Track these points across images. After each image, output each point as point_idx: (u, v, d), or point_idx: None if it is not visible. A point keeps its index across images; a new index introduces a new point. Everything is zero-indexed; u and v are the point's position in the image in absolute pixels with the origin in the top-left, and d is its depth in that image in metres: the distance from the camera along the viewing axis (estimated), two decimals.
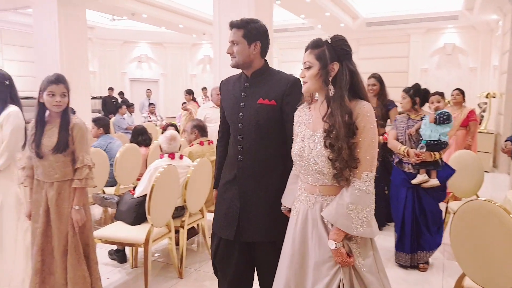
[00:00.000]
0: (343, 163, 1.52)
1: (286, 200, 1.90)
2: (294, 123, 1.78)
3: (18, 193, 2.73)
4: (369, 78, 4.20)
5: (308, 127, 1.68)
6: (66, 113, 2.40)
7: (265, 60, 2.09)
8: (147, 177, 3.13)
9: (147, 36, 12.62)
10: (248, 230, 2.04)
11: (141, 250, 3.12)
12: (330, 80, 1.58)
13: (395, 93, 4.24)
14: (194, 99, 8.27)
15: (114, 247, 3.47)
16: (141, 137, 4.72)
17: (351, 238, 1.59)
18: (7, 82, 2.70)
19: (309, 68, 1.63)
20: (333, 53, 1.59)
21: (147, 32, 12.22)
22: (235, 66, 2.05)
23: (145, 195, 2.96)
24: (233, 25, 2.03)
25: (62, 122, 2.37)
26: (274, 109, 1.99)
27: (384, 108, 4.19)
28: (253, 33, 2.00)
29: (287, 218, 2.03)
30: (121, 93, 11.56)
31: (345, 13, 9.75)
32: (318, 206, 1.64)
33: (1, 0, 7.57)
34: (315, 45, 1.63)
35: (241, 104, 2.05)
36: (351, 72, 1.59)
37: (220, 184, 2.18)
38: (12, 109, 2.68)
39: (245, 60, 2.01)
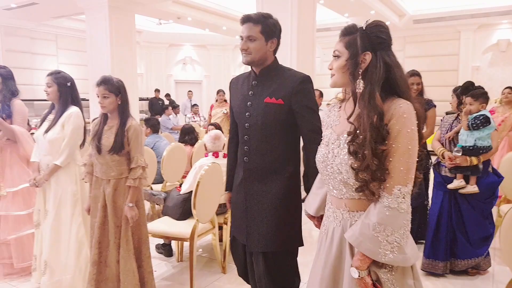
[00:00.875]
0: (369, 174, 1.26)
1: (308, 206, 1.69)
2: (322, 125, 1.56)
3: (75, 190, 2.92)
4: (412, 75, 3.64)
5: (334, 130, 1.44)
6: (123, 115, 2.53)
7: (275, 57, 1.98)
8: (192, 174, 3.24)
9: (191, 39, 12.93)
10: (253, 238, 1.94)
11: (186, 244, 3.23)
12: (359, 73, 1.33)
13: (443, 92, 4.11)
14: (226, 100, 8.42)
15: (161, 241, 3.62)
16: (188, 136, 4.88)
17: (383, 265, 1.30)
18: (69, 84, 2.89)
19: (337, 58, 1.40)
20: (366, 41, 1.34)
21: (191, 35, 12.52)
22: (249, 63, 1.93)
23: (191, 191, 3.07)
24: (249, 20, 1.90)
25: (120, 124, 2.51)
26: (281, 109, 1.88)
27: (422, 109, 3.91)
28: (271, 29, 1.90)
29: (297, 226, 1.97)
30: (167, 95, 11.92)
31: (391, 10, 9.51)
32: (345, 225, 1.39)
33: (57, 8, 8.03)
34: (347, 32, 1.39)
35: (248, 103, 1.96)
36: (387, 65, 1.32)
37: (233, 187, 2.12)
38: (73, 109, 2.87)
39: (261, 57, 1.91)
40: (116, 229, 2.50)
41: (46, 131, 2.82)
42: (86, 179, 2.68)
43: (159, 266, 3.45)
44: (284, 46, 5.02)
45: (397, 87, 1.33)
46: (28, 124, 4.91)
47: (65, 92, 2.88)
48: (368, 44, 1.34)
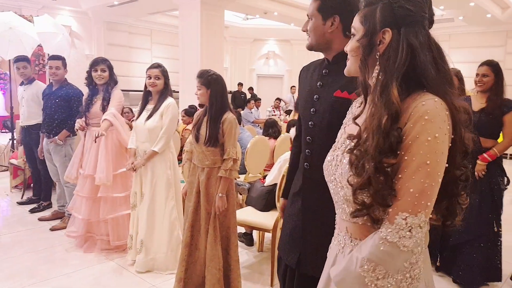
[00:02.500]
0: (369, 194, 0.93)
1: None
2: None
3: (169, 175, 3.13)
4: (480, 65, 3.02)
5: (345, 130, 1.14)
6: (211, 108, 2.62)
7: None
8: (277, 167, 3.30)
9: (275, 34, 13.05)
10: (307, 258, 1.60)
11: (267, 236, 3.30)
12: (377, 56, 0.99)
13: None
14: None
15: (243, 230, 3.74)
16: (271, 129, 4.97)
17: None
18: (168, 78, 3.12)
19: (352, 36, 1.07)
20: (387, 14, 0.98)
21: (275, 30, 12.64)
22: (309, 47, 1.63)
23: (275, 184, 3.12)
24: None
25: (208, 117, 2.62)
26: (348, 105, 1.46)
27: (498, 110, 2.93)
28: (328, 4, 1.52)
29: None
30: (251, 89, 12.20)
31: (493, 2, 8.72)
32: (346, 254, 1.06)
33: (154, 4, 8.60)
34: (367, 2, 1.04)
35: (314, 97, 1.60)
36: (412, 47, 0.95)
37: (289, 195, 1.78)
38: (170, 100, 3.09)
39: (319, 40, 1.57)
40: (206, 216, 2.63)
41: (147, 119, 3.06)
42: (186, 165, 2.87)
43: (240, 254, 3.55)
44: None
45: (423, 77, 0.95)
46: (132, 112, 5.33)
47: (167, 84, 3.11)
48: (390, 18, 0.97)
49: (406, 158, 0.90)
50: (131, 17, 10.02)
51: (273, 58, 13.84)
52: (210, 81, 2.64)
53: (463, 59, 10.04)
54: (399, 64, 0.95)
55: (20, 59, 4.54)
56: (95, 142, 3.40)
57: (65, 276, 3.09)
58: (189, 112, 5.65)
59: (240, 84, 12.06)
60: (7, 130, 8.26)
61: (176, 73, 8.08)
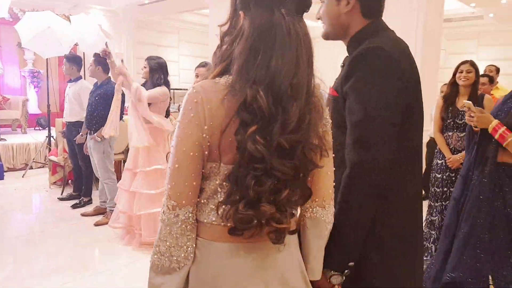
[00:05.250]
0: None
1: None
2: None
3: None
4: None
5: None
6: None
7: (370, 21, 1.25)
8: None
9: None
10: None
11: None
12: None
13: None
14: None
15: None
16: None
17: None
18: None
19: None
20: None
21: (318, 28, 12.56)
22: (324, 36, 1.33)
23: None
24: None
25: None
26: (337, 103, 1.23)
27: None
28: None
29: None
30: None
31: None
32: None
33: (183, 3, 8.64)
34: None
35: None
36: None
37: None
38: None
39: (334, 25, 1.28)
40: None
41: None
42: None
43: None
44: (409, 38, 4.78)
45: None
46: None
47: None
48: None
49: None
50: (160, 16, 10.10)
51: None
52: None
53: (492, 56, 9.81)
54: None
55: (68, 57, 4.65)
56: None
57: (115, 269, 3.14)
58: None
59: None
60: (40, 128, 8.46)
61: None
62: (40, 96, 8.79)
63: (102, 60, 4.44)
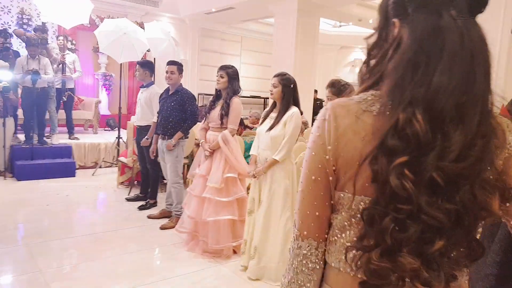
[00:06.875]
0: None
1: None
2: None
3: (287, 185, 3.09)
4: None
5: None
6: None
7: None
8: None
9: (363, 41, 12.66)
10: None
11: None
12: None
13: None
14: None
15: None
16: None
17: None
18: (291, 86, 3.07)
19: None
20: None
21: (364, 37, 12.28)
22: None
23: None
24: None
25: None
26: None
27: None
28: None
29: None
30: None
31: None
32: None
33: (250, 12, 8.74)
34: None
35: None
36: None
37: None
38: (294, 109, 3.04)
39: None
40: None
41: (270, 128, 3.05)
42: None
43: None
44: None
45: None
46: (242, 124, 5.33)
47: (288, 93, 3.06)
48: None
49: None
50: (224, 24, 10.31)
51: (358, 66, 13.45)
52: (343, 91, 2.58)
53: None
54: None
55: (140, 63, 4.85)
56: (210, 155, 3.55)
57: (181, 277, 3.17)
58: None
59: (316, 92, 11.86)
60: (109, 129, 8.90)
61: (266, 79, 8.14)
62: (110, 98, 9.26)
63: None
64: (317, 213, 0.83)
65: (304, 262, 0.84)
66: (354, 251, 0.76)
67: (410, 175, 0.69)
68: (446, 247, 0.70)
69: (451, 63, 0.71)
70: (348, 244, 0.79)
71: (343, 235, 0.81)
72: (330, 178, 0.82)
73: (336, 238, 0.82)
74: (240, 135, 5.35)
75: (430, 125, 0.70)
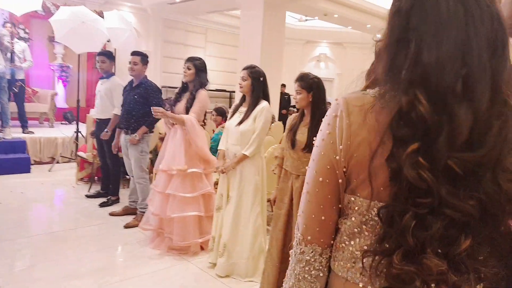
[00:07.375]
0: None
1: None
2: None
3: (257, 180, 3.02)
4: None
5: None
6: (315, 113, 2.51)
7: None
8: None
9: (329, 36, 12.81)
10: None
11: None
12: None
13: None
14: None
15: None
16: None
17: None
18: (261, 79, 2.99)
19: None
20: None
21: (329, 32, 12.39)
22: None
23: None
24: None
25: (311, 122, 2.50)
26: None
27: None
28: None
29: None
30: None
31: None
32: None
33: (213, 3, 8.58)
34: None
35: None
36: None
37: None
38: (264, 104, 2.96)
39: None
40: None
41: (240, 123, 2.96)
42: (275, 171, 2.75)
43: None
44: None
45: None
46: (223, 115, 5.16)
47: (258, 86, 2.98)
48: None
49: None
50: (188, 15, 10.07)
51: (324, 61, 13.59)
52: (312, 85, 2.53)
53: None
54: None
55: (101, 53, 4.60)
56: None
57: (148, 275, 3.05)
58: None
59: (283, 86, 11.88)
60: (67, 122, 8.49)
61: (232, 73, 8.08)
62: (68, 90, 8.82)
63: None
64: (323, 217, 0.77)
65: (307, 268, 0.78)
66: (371, 256, 0.68)
67: (425, 163, 0.62)
68: (473, 245, 0.63)
69: (438, 32, 0.64)
70: (358, 252, 0.72)
71: (352, 242, 0.74)
72: (340, 180, 0.75)
73: (344, 245, 0.76)
74: (217, 126, 5.21)
75: (433, 106, 0.62)
